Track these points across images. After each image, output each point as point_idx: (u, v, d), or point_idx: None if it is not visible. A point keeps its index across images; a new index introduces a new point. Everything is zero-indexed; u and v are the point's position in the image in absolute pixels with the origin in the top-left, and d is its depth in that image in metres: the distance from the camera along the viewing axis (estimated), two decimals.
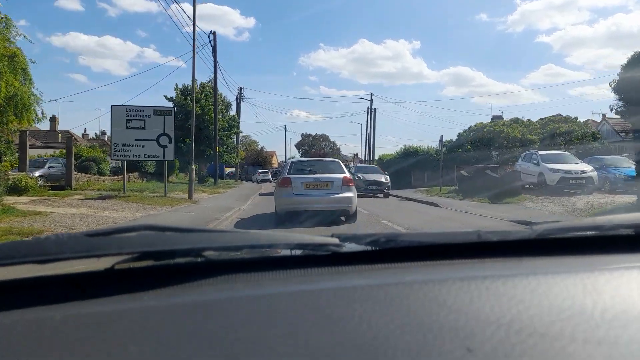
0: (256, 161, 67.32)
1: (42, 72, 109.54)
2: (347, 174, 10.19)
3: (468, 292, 0.72)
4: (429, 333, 0.62)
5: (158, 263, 0.90)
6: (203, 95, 31.19)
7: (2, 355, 0.59)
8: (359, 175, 20.05)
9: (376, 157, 44.49)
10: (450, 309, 0.68)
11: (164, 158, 15.10)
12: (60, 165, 23.60)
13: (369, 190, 19.88)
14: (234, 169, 48.33)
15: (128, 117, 14.75)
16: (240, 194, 22.42)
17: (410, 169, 31.38)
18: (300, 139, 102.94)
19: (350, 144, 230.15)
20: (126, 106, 14.87)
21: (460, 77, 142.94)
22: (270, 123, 74.49)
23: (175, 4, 51.31)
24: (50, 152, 30.12)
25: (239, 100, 41.39)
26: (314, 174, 9.97)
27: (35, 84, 18.89)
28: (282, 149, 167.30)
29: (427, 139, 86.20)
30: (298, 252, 1.01)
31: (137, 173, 28.85)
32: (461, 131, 35.82)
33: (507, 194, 15.56)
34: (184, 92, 31.22)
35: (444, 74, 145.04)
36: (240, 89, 41.46)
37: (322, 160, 12.21)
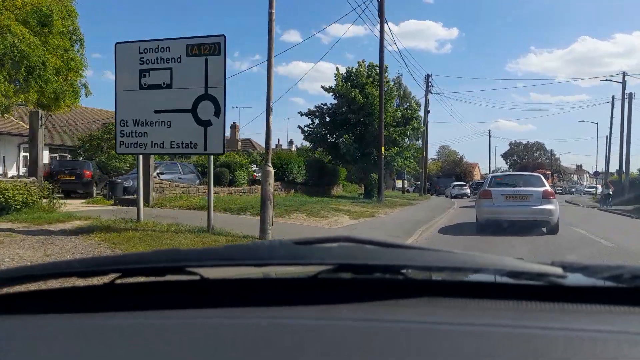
0: (453, 172, 56.73)
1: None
2: (548, 188, 10.47)
3: None
4: None
5: (358, 277, 0.88)
6: (370, 80, 22.85)
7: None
8: None
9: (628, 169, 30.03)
10: None
11: (205, 149, 6.98)
12: (175, 172, 17.92)
13: None
14: (409, 179, 39.16)
15: (143, 64, 7.16)
16: (407, 220, 13.21)
17: None
18: (508, 148, 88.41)
19: (573, 155, 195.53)
20: (140, 42, 7.25)
21: None
22: (468, 123, 63.31)
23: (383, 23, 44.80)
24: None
25: (426, 91, 32.10)
26: (514, 187, 10.63)
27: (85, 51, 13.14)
28: (485, 161, 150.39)
29: None
30: (509, 280, 0.87)
31: (279, 183, 21.28)
32: None
33: None
34: (347, 77, 23.40)
35: None
36: (428, 76, 32.11)
37: (521, 174, 13.66)
